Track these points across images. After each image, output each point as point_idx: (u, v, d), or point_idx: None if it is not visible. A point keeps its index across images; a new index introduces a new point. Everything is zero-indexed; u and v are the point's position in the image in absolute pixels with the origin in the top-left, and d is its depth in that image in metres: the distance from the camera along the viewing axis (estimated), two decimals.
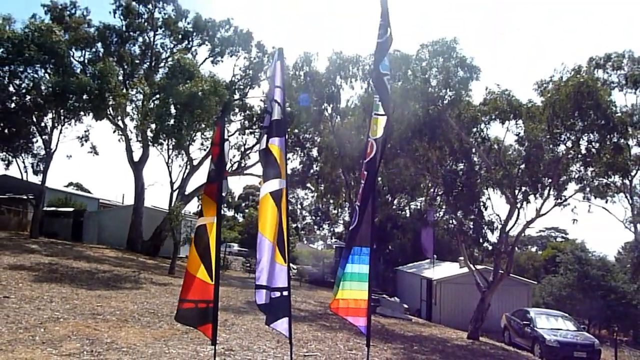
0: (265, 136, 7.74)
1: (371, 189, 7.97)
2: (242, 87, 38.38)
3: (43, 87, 29.56)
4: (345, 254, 7.92)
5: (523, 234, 23.56)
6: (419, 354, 14.99)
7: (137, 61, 37.45)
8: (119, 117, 33.76)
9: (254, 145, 37.30)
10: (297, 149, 33.96)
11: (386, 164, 25.06)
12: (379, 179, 30.45)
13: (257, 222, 7.55)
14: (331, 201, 38.04)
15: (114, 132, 34.62)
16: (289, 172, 34.70)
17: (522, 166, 20.97)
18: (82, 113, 30.55)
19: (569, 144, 19.70)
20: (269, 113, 7.83)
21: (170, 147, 29.00)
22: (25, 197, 34.26)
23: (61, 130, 32.22)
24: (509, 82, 61.98)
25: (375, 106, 8.13)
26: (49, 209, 38.06)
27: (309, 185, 38.68)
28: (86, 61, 34.65)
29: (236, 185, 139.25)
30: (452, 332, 23.59)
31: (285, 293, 7.84)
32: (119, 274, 21.91)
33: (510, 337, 24.11)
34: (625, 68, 34.27)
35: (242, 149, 38.96)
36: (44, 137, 32.15)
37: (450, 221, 23.85)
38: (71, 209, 39.63)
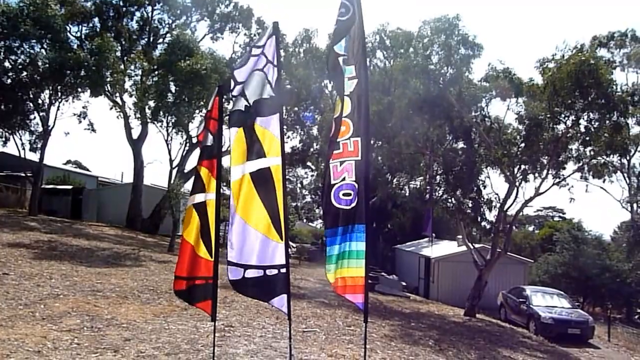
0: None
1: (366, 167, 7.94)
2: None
3: (40, 63, 29.34)
4: (341, 232, 7.92)
5: (521, 213, 23.62)
6: (416, 330, 15.08)
7: (135, 37, 36.98)
8: (117, 94, 33.50)
9: None
10: (297, 127, 33.86)
11: (389, 142, 25.04)
12: (379, 158, 30.45)
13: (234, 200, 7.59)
14: None
15: (111, 108, 34.38)
16: (288, 150, 34.77)
17: (522, 145, 20.95)
18: (79, 89, 30.39)
19: (569, 122, 19.66)
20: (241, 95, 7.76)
21: (170, 124, 28.86)
22: (23, 175, 34.14)
23: (58, 106, 32.04)
24: (510, 60, 61.60)
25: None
26: (47, 186, 37.90)
27: (309, 164, 38.65)
28: (83, 37, 34.25)
29: None
30: (449, 309, 23.73)
31: (283, 270, 7.87)
32: (119, 251, 21.95)
33: (507, 314, 24.28)
34: (628, 47, 34.12)
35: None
36: (41, 113, 31.94)
37: (449, 200, 23.86)
38: (70, 187, 39.47)
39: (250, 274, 7.71)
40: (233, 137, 7.68)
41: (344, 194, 7.84)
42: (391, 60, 29.16)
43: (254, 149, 7.67)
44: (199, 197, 7.52)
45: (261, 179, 7.60)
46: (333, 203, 7.83)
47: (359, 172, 7.82)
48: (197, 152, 7.82)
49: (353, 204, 7.80)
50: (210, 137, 7.61)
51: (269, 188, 7.61)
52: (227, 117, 7.99)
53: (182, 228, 7.82)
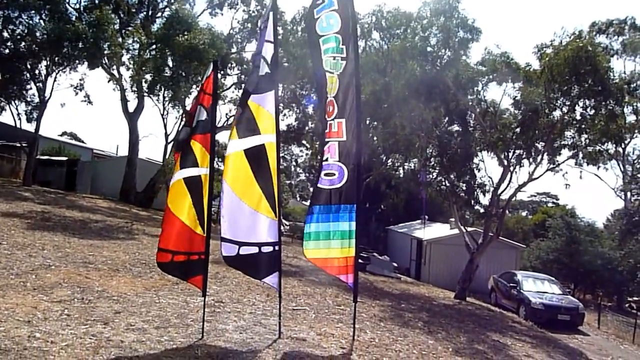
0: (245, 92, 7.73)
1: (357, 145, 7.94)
2: (239, 40, 37.87)
3: (38, 34, 29.14)
4: (319, 211, 7.94)
5: (514, 198, 23.66)
6: (406, 311, 15.17)
7: (134, 10, 36.61)
8: (115, 67, 33.29)
9: None
10: (293, 105, 33.74)
11: (384, 123, 25.00)
12: (374, 138, 30.42)
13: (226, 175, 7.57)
14: None
15: (109, 81, 34.21)
16: (284, 128, 34.66)
17: (517, 130, 20.91)
18: (77, 61, 30.17)
19: (565, 109, 19.62)
20: (257, 67, 7.75)
21: (166, 98, 28.69)
22: (18, 145, 34.02)
23: (55, 78, 31.90)
24: (508, 46, 61.36)
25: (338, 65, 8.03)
26: (42, 157, 37.82)
27: (304, 142, 38.55)
28: (82, 8, 33.93)
29: None
30: (439, 292, 23.85)
31: (276, 248, 7.90)
32: (112, 224, 21.94)
33: (497, 299, 24.46)
34: (627, 34, 33.98)
35: (238, 104, 38.52)
36: (37, 84, 31.80)
37: (443, 182, 23.91)
38: (65, 159, 39.34)
39: (245, 250, 7.74)
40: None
41: (326, 174, 7.82)
42: (388, 41, 29.03)
43: (248, 126, 7.65)
44: (190, 172, 7.46)
45: (255, 156, 7.59)
46: (318, 183, 7.85)
47: (344, 153, 7.80)
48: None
49: (338, 185, 7.80)
50: (204, 112, 7.56)
51: (263, 165, 7.60)
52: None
53: (168, 200, 7.73)
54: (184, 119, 33.56)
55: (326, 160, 7.96)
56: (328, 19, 8.08)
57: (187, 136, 7.62)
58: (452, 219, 29.28)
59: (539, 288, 22.76)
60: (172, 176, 7.59)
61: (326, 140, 7.96)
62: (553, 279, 25.29)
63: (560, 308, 21.19)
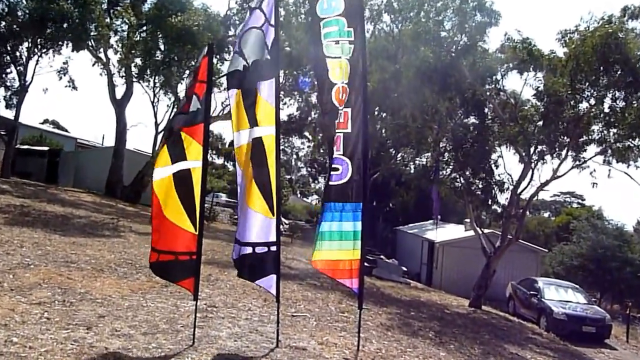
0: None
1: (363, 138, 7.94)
2: (238, 22, 37.81)
3: (20, 13, 29.18)
4: (329, 209, 7.92)
5: (536, 197, 23.64)
6: (415, 320, 15.18)
7: None
8: (102, 49, 33.33)
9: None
10: (295, 93, 33.71)
11: (394, 114, 24.98)
12: (383, 130, 30.40)
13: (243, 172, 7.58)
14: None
15: (94, 64, 34.24)
16: (285, 118, 34.61)
17: (540, 123, 20.86)
18: (61, 43, 30.22)
19: (592, 101, 19.57)
20: (239, 54, 7.70)
21: (157, 84, 28.71)
22: None
23: (37, 61, 31.97)
24: (530, 31, 61.13)
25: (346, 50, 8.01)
26: (22, 147, 37.89)
27: (306, 133, 38.58)
28: None
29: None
30: (452, 299, 23.87)
31: (273, 248, 7.89)
32: (96, 220, 21.99)
33: (515, 308, 24.45)
34: None
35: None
36: (18, 68, 31.86)
37: (458, 179, 23.88)
38: (46, 148, 39.44)
39: (242, 251, 7.76)
40: (232, 99, 7.64)
41: (333, 169, 7.81)
42: (399, 25, 28.99)
43: (249, 116, 7.65)
44: (180, 165, 7.43)
45: (253, 149, 7.58)
46: (328, 178, 7.86)
47: (349, 146, 7.78)
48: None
49: (343, 180, 7.77)
50: (196, 101, 7.52)
51: (260, 159, 7.58)
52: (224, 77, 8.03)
53: (157, 194, 7.64)
54: (176, 107, 33.79)
55: (332, 153, 7.96)
56: (330, 1, 8.07)
57: (179, 125, 7.58)
58: (467, 220, 29.24)
59: (562, 297, 22.73)
60: (155, 168, 7.50)
61: (336, 132, 7.96)
62: (577, 287, 25.25)
63: (585, 319, 21.14)
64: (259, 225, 7.71)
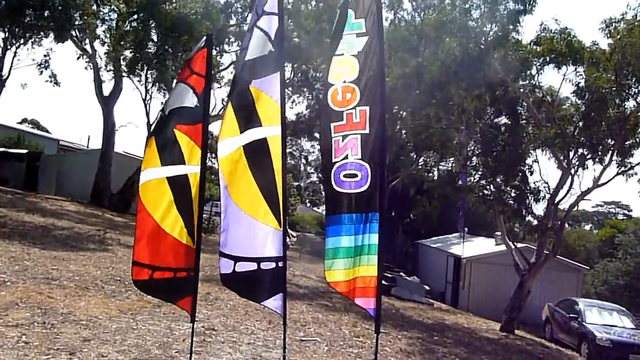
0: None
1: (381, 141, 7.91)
2: (240, 10, 37.92)
3: None
4: (348, 221, 7.87)
5: (576, 207, 23.54)
6: (439, 345, 15.15)
7: None
8: (87, 40, 33.46)
9: None
10: (304, 89, 33.73)
11: (415, 114, 24.96)
12: (402, 132, 30.39)
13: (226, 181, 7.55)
14: None
15: (79, 58, 34.38)
16: (293, 117, 34.58)
17: (580, 124, 20.80)
18: (41, 33, 30.34)
19: None
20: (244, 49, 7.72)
21: (149, 79, 28.78)
22: None
23: (15, 52, 32.10)
24: (569, 20, 60.97)
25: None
26: None
27: (316, 135, 38.58)
28: None
29: None
30: (481, 322, 23.81)
31: (280, 264, 7.86)
32: (81, 232, 22.06)
33: (552, 332, 24.31)
34: None
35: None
36: None
37: (487, 187, 23.81)
38: (25, 151, 39.52)
39: (241, 267, 7.70)
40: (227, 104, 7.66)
41: (346, 175, 7.74)
42: (422, 13, 28.99)
43: (248, 117, 7.63)
44: (175, 170, 7.39)
45: (255, 152, 7.54)
46: (333, 186, 7.75)
47: (367, 148, 7.74)
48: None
49: (363, 188, 7.72)
50: (193, 97, 7.50)
51: (264, 163, 7.54)
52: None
53: (143, 201, 7.57)
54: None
55: (346, 157, 7.91)
56: None
57: (173, 122, 7.54)
58: (498, 233, 29.13)
59: (606, 320, 22.59)
60: (142, 170, 7.45)
61: (346, 132, 7.92)
62: (624, 309, 25.08)
63: (633, 346, 20.96)
64: (265, 237, 7.67)
